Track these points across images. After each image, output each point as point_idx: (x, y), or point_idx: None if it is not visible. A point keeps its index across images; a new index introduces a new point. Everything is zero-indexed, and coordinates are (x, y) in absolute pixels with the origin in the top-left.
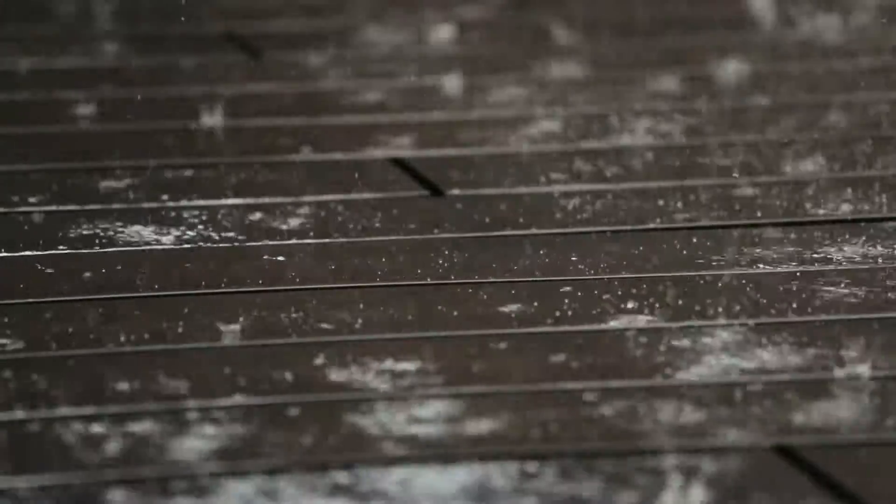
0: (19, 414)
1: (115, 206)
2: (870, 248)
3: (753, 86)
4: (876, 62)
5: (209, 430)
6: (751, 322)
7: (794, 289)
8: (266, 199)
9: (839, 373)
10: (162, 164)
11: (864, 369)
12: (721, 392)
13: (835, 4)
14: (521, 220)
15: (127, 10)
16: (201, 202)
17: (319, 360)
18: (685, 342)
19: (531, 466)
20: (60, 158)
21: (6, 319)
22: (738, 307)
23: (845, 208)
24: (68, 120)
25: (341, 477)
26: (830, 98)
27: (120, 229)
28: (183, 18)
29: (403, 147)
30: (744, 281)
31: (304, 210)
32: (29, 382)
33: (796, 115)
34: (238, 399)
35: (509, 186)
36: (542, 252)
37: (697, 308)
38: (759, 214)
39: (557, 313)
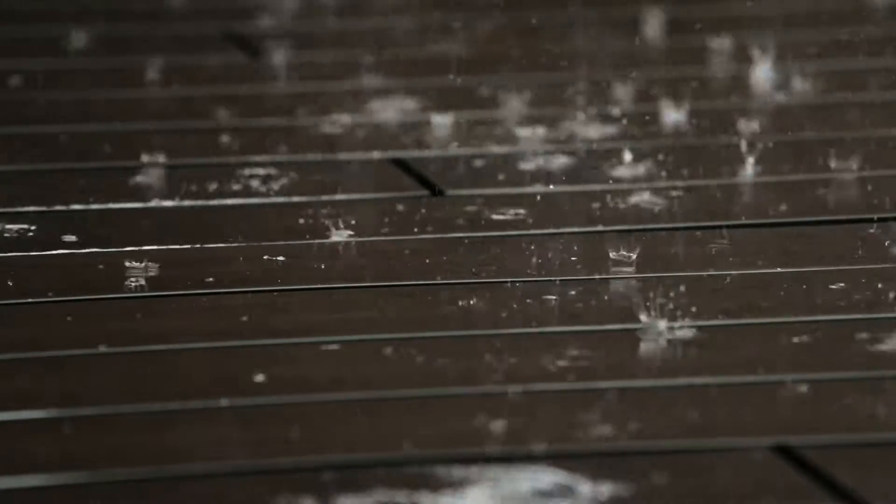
0: None
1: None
2: None
3: None
4: None
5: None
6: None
7: None
8: (262, 199)
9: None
10: (160, 164)
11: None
12: (720, 392)
13: None
14: (521, 220)
15: (126, 9)
16: (199, 202)
17: (318, 360)
18: (684, 342)
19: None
20: (55, 158)
21: None
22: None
23: None
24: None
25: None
26: None
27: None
28: (182, 18)
29: (403, 147)
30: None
31: (304, 210)
32: None
33: None
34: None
35: (509, 186)
36: (543, 252)
37: (695, 309)
38: None
39: (558, 313)
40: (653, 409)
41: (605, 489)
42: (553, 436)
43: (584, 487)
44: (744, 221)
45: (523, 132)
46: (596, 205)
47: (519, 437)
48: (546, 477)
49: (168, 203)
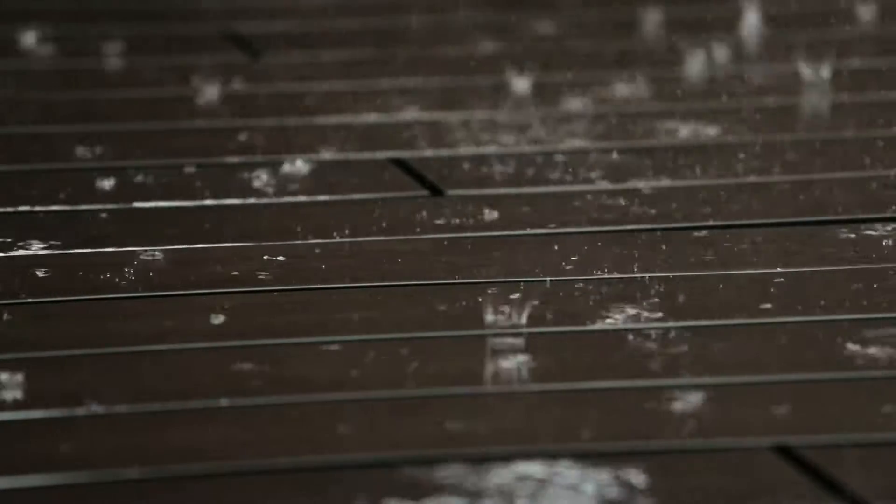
0: None
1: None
2: None
3: None
4: None
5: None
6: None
7: None
8: (262, 199)
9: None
10: (160, 164)
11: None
12: (720, 392)
13: None
14: (520, 220)
15: (125, 9)
16: (199, 202)
17: (318, 360)
18: (683, 342)
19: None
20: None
21: None
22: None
23: None
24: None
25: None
26: None
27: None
28: (182, 18)
29: (403, 147)
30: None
31: (304, 210)
32: None
33: None
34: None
35: (509, 186)
36: (543, 252)
37: (695, 309)
38: None
39: (558, 313)
40: (653, 409)
41: (606, 488)
42: (553, 435)
43: (585, 487)
44: (742, 222)
45: (523, 132)
46: (595, 204)
47: (519, 437)
48: (546, 476)
49: (168, 203)
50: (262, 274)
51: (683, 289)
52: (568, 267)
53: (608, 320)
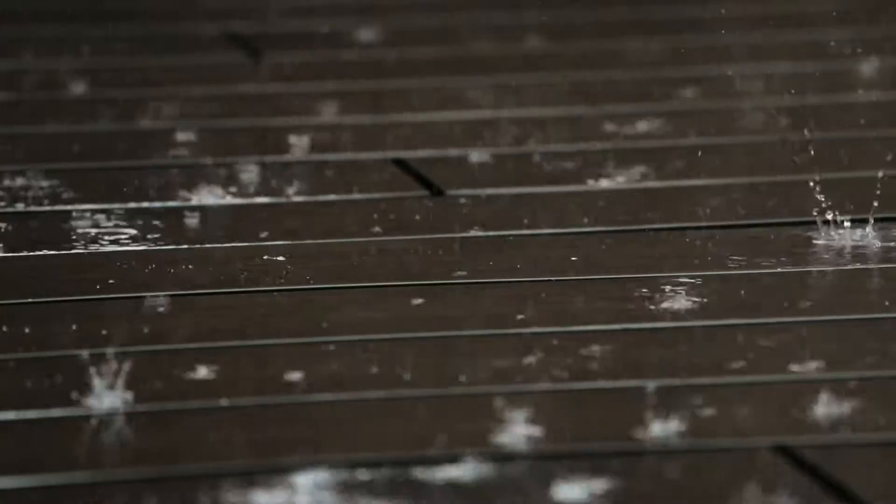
0: None
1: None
2: None
3: None
4: None
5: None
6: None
7: None
8: (263, 199)
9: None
10: (160, 164)
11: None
12: (720, 391)
13: None
14: (520, 220)
15: (127, 9)
16: (200, 202)
17: (318, 360)
18: (682, 342)
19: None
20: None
21: None
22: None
23: None
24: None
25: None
26: None
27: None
28: (182, 18)
29: (403, 147)
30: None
31: (304, 210)
32: None
33: None
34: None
35: (509, 186)
36: (542, 252)
37: (696, 308)
38: None
39: (558, 313)
40: (653, 409)
41: (607, 488)
42: (554, 435)
43: (586, 486)
44: (737, 222)
45: (522, 133)
46: (592, 205)
47: (521, 436)
48: (547, 475)
49: (168, 203)
50: (263, 274)
51: (686, 287)
52: (568, 266)
53: (608, 320)
